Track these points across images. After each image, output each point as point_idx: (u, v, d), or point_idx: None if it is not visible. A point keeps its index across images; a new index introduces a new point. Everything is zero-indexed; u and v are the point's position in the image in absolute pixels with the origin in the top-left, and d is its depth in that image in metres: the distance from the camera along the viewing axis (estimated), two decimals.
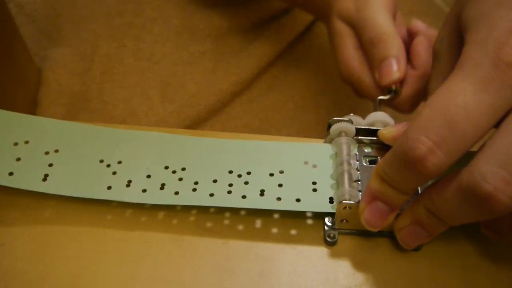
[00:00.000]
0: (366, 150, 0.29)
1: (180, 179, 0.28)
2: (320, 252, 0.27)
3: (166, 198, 0.27)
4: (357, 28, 0.37)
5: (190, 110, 0.47)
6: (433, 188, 0.23)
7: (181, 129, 0.45)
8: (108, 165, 0.29)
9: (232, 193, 0.27)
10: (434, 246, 0.27)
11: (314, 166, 0.28)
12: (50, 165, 0.29)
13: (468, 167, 0.21)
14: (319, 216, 0.28)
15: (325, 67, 0.51)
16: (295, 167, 0.28)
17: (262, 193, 0.27)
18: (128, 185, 0.28)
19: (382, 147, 0.29)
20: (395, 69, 0.35)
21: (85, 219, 0.28)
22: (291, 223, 0.28)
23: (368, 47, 0.37)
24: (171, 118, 0.47)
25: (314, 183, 0.28)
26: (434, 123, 0.21)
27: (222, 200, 0.27)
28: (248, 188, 0.27)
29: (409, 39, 0.38)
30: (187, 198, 0.27)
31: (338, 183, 0.27)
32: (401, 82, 0.36)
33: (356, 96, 0.40)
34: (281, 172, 0.28)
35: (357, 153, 0.29)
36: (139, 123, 0.47)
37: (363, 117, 0.31)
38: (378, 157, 0.28)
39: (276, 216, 0.28)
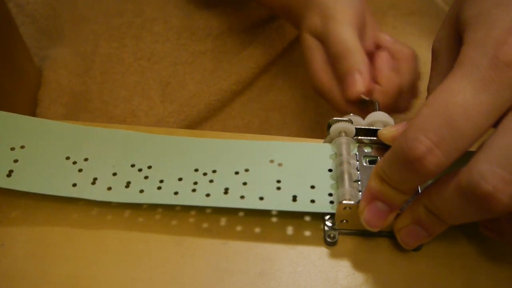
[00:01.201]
0: (366, 150, 0.29)
1: (146, 177, 0.28)
2: (320, 252, 0.27)
3: (130, 196, 0.27)
4: (324, 42, 0.38)
5: (190, 110, 0.47)
6: (432, 187, 0.23)
7: (181, 129, 0.45)
8: (75, 162, 0.29)
9: (196, 192, 0.27)
10: (434, 246, 0.27)
11: (280, 164, 0.28)
12: (16, 161, 0.29)
13: (467, 167, 0.21)
14: (319, 217, 0.28)
15: None
16: (260, 165, 0.28)
17: (226, 191, 0.27)
18: (93, 183, 0.28)
19: (382, 147, 0.29)
20: (359, 82, 0.35)
21: (85, 220, 0.28)
22: (291, 223, 0.28)
23: (333, 62, 0.37)
24: (171, 118, 0.47)
25: (278, 181, 0.28)
26: (433, 123, 0.21)
27: (186, 198, 0.27)
28: (212, 186, 0.27)
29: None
30: (152, 197, 0.27)
31: (338, 183, 0.27)
32: (370, 94, 0.36)
33: (331, 108, 0.40)
34: (247, 170, 0.28)
35: (357, 153, 0.29)
36: (139, 123, 0.47)
37: (363, 117, 0.31)
38: (378, 157, 0.28)
39: (276, 216, 0.28)
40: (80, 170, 0.29)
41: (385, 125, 0.30)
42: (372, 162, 0.28)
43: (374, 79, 0.37)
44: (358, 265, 0.26)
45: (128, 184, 0.28)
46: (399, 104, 0.39)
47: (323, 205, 0.27)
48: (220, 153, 0.29)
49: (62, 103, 0.49)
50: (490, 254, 0.27)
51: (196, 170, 0.28)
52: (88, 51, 0.51)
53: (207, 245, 0.27)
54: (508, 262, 0.27)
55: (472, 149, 0.22)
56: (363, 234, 0.27)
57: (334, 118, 0.29)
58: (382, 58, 0.38)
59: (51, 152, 0.29)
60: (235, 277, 0.26)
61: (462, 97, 0.21)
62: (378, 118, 0.30)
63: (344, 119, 0.29)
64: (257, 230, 0.28)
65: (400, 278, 0.26)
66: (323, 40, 0.38)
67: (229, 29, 0.52)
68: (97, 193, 0.28)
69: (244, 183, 0.27)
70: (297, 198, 0.27)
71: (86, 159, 0.29)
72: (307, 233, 0.28)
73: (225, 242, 0.27)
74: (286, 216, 0.28)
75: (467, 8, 0.24)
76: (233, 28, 0.52)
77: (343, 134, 0.29)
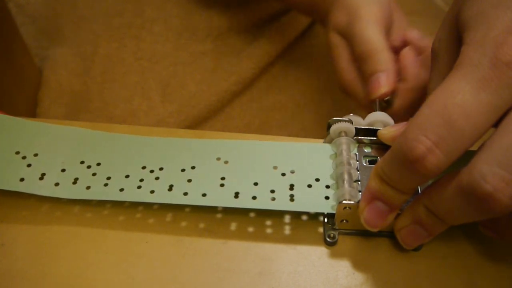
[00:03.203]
0: (366, 150, 0.29)
1: (94, 174, 0.28)
2: (320, 252, 0.27)
3: (77, 192, 0.28)
4: (349, 41, 0.38)
5: (190, 110, 0.47)
6: (433, 187, 0.23)
7: (181, 129, 0.45)
8: (24, 157, 0.29)
9: (141, 188, 0.28)
10: (434, 246, 0.27)
11: (226, 162, 0.29)
12: None
13: (467, 167, 0.21)
14: (319, 217, 0.28)
15: (325, 67, 0.51)
16: (207, 163, 0.29)
17: (170, 188, 0.28)
18: (41, 178, 0.28)
19: (382, 147, 0.29)
20: (383, 84, 0.35)
21: (85, 219, 0.28)
22: (290, 223, 0.28)
23: (359, 61, 0.37)
24: (171, 118, 0.47)
25: (222, 178, 0.28)
26: (432, 123, 0.21)
27: (130, 195, 0.27)
28: (157, 183, 0.28)
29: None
30: (98, 193, 0.28)
31: (338, 183, 0.27)
32: (394, 93, 0.36)
33: (357, 105, 0.40)
34: (193, 168, 0.28)
35: (357, 153, 0.29)
36: (139, 123, 0.47)
37: (363, 117, 0.31)
38: (378, 157, 0.28)
39: (275, 216, 0.28)
40: (29, 165, 0.29)
41: (385, 125, 0.30)
42: (372, 162, 0.28)
43: (400, 76, 0.37)
44: (358, 265, 0.26)
45: (75, 181, 0.28)
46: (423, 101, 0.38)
47: (264, 202, 0.27)
48: (168, 151, 0.29)
49: (62, 103, 0.49)
50: (490, 254, 0.27)
51: (144, 167, 0.29)
52: (88, 51, 0.51)
53: (207, 245, 0.27)
54: (508, 262, 0.27)
55: (472, 149, 0.22)
56: (363, 234, 0.27)
57: (334, 118, 0.29)
58: (408, 55, 0.37)
59: (1, 146, 0.30)
60: (235, 277, 0.26)
61: (462, 97, 0.21)
62: (378, 118, 0.30)
63: (344, 119, 0.29)
64: (257, 230, 0.28)
65: (400, 278, 0.26)
66: (349, 38, 0.38)
67: (229, 29, 0.52)
68: (45, 189, 0.28)
69: (189, 180, 0.28)
70: (239, 195, 0.27)
71: (36, 155, 0.29)
72: (307, 233, 0.28)
73: (225, 242, 0.27)
74: (286, 216, 0.28)
75: (466, 8, 0.24)
76: (233, 28, 0.52)
77: (343, 134, 0.29)
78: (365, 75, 0.37)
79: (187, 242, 0.27)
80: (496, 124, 0.22)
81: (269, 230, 0.28)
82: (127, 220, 0.28)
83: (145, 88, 0.49)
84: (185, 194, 0.27)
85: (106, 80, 0.50)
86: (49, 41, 0.53)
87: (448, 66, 0.26)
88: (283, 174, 0.28)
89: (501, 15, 0.22)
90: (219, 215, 0.28)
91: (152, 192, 0.27)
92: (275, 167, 0.28)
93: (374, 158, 0.29)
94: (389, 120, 0.30)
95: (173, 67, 0.50)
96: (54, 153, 0.29)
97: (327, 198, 0.27)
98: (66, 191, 0.28)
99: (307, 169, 0.28)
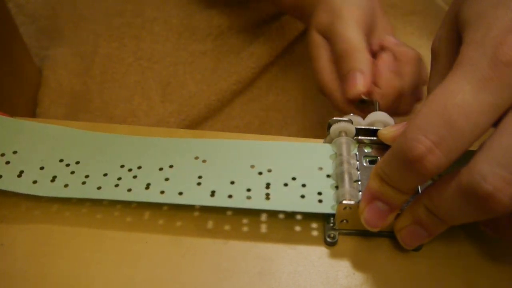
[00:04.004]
0: (366, 150, 0.29)
1: (72, 172, 0.29)
2: (320, 252, 0.27)
3: (55, 190, 0.28)
4: (329, 40, 0.38)
5: (190, 109, 0.47)
6: (433, 187, 0.23)
7: (181, 129, 0.45)
8: (3, 154, 0.29)
9: (118, 186, 0.28)
10: (434, 246, 0.27)
11: (204, 161, 0.29)
12: None
13: (467, 167, 0.21)
14: (319, 217, 0.28)
15: None
16: (185, 162, 0.29)
17: (147, 186, 0.28)
18: (19, 175, 0.29)
19: (382, 147, 0.29)
20: (359, 82, 0.35)
21: (85, 219, 0.28)
22: (290, 223, 0.28)
23: (337, 60, 0.37)
24: (171, 118, 0.47)
25: (199, 177, 0.28)
26: (432, 123, 0.21)
27: (108, 193, 0.28)
28: (135, 182, 0.28)
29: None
30: (76, 191, 0.28)
31: (338, 183, 0.27)
32: (369, 95, 0.36)
33: (333, 108, 0.40)
34: (171, 166, 0.29)
35: (357, 153, 0.29)
36: (139, 123, 0.47)
37: (363, 117, 0.31)
38: (378, 157, 0.28)
39: (275, 216, 0.28)
40: (7, 163, 0.29)
41: (385, 125, 0.30)
42: (372, 162, 0.28)
43: (374, 81, 0.37)
44: (358, 265, 0.26)
45: (54, 179, 0.28)
46: (399, 107, 0.38)
47: (240, 200, 0.27)
48: (147, 150, 0.30)
49: (62, 103, 0.49)
50: (490, 254, 0.27)
51: (122, 166, 0.29)
52: (88, 51, 0.51)
53: (207, 245, 0.27)
54: (508, 262, 0.27)
55: (472, 149, 0.22)
56: (363, 234, 0.27)
57: (334, 118, 0.29)
58: (384, 60, 0.37)
59: None
60: (235, 277, 0.26)
61: (462, 97, 0.21)
62: (378, 118, 0.30)
63: (344, 119, 0.29)
64: (257, 230, 0.28)
65: (400, 278, 0.26)
66: (329, 38, 0.38)
67: (229, 29, 0.52)
68: (22, 186, 0.28)
69: (166, 179, 0.28)
70: (215, 193, 0.27)
71: (15, 152, 0.30)
72: (307, 233, 0.28)
73: (225, 242, 0.27)
74: (286, 216, 0.28)
75: (466, 8, 0.24)
76: (233, 28, 0.52)
77: (343, 134, 0.29)
78: (343, 73, 0.37)
79: (187, 242, 0.27)
80: (496, 124, 0.22)
81: (269, 230, 0.28)
82: (128, 220, 0.28)
83: (145, 88, 0.49)
84: (162, 192, 0.27)
85: (106, 80, 0.50)
86: (49, 41, 0.53)
87: (448, 65, 0.26)
88: (260, 173, 0.28)
89: (501, 15, 0.22)
90: (219, 215, 0.28)
91: (129, 190, 0.28)
92: (252, 166, 0.29)
93: (374, 158, 0.29)
94: (389, 120, 0.30)
95: (173, 67, 0.50)
96: (33, 151, 0.30)
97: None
98: (44, 189, 0.28)
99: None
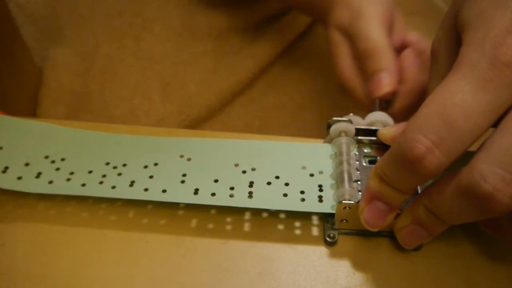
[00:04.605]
0: (365, 150, 0.29)
1: (57, 169, 0.29)
2: (320, 252, 0.27)
3: (38, 186, 0.28)
4: (351, 38, 0.38)
5: (190, 110, 0.47)
6: (433, 187, 0.23)
7: (181, 129, 0.45)
8: None
9: (103, 184, 0.28)
10: (434, 246, 0.27)
11: (189, 159, 0.29)
12: None
13: (467, 167, 0.21)
14: (319, 217, 0.28)
15: (325, 67, 0.51)
16: (170, 160, 0.29)
17: (131, 184, 0.28)
18: (4, 171, 0.29)
19: (382, 147, 0.29)
20: (385, 82, 0.35)
21: (85, 219, 0.28)
22: (290, 223, 0.28)
23: (361, 59, 0.37)
24: (172, 118, 0.47)
25: (184, 175, 0.28)
26: (432, 123, 0.21)
27: (91, 190, 0.28)
28: (119, 179, 0.28)
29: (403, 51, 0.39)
30: (60, 187, 0.28)
31: (338, 183, 0.27)
32: (394, 94, 0.36)
33: (355, 104, 0.40)
34: (156, 164, 0.29)
35: (356, 153, 0.29)
36: (139, 123, 0.47)
37: (363, 117, 0.31)
38: (378, 157, 0.28)
39: (276, 216, 0.28)
40: None
41: (385, 125, 0.30)
42: (372, 162, 0.28)
43: (400, 78, 0.36)
44: (358, 265, 0.26)
45: (38, 175, 0.28)
46: None
47: (223, 199, 0.27)
48: (133, 148, 0.30)
49: (62, 103, 0.49)
50: (490, 254, 0.27)
51: (108, 163, 0.29)
52: (88, 51, 0.51)
53: (207, 245, 0.27)
54: (508, 262, 0.27)
55: (472, 149, 0.22)
56: (363, 234, 0.27)
57: (334, 118, 0.29)
58: (409, 57, 0.37)
59: None
60: (235, 277, 0.26)
61: (461, 97, 0.21)
62: (378, 118, 0.30)
63: (344, 119, 0.29)
64: (257, 229, 0.28)
65: (400, 278, 0.26)
66: (352, 36, 0.38)
67: (230, 29, 0.52)
68: (7, 182, 0.28)
69: (151, 177, 0.28)
70: (199, 191, 0.27)
71: (0, 148, 0.30)
72: (307, 232, 0.28)
73: (225, 242, 0.27)
74: (286, 216, 0.28)
75: (465, 8, 0.24)
76: (233, 28, 0.52)
77: (343, 134, 0.29)
78: (367, 73, 0.36)
79: (187, 242, 0.27)
80: (496, 124, 0.22)
81: (269, 230, 0.28)
82: (128, 220, 0.28)
83: (145, 88, 0.49)
84: (146, 190, 0.28)
85: (106, 80, 0.50)
86: (49, 41, 0.53)
87: (448, 66, 0.26)
88: (244, 172, 0.28)
89: (500, 16, 0.22)
90: (219, 215, 0.28)
91: (113, 187, 0.28)
92: (236, 165, 0.29)
93: (374, 158, 0.29)
94: (389, 120, 0.30)
95: (173, 67, 0.50)
96: (19, 147, 0.30)
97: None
98: (28, 185, 0.28)
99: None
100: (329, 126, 0.29)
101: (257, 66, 0.49)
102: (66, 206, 0.29)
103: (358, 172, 0.28)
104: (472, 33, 0.23)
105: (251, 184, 0.28)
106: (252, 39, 0.51)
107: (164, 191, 0.28)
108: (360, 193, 0.27)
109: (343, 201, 0.26)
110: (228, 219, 0.28)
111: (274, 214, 0.28)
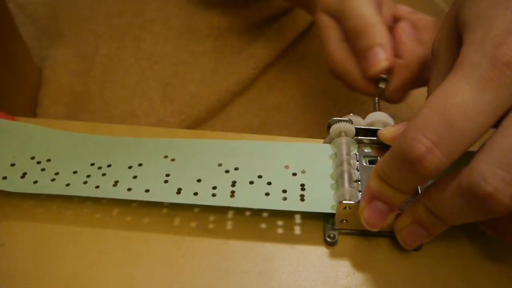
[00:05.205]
0: (366, 150, 0.29)
1: (43, 169, 0.29)
2: (320, 252, 0.27)
3: (23, 186, 0.28)
4: (340, 19, 0.37)
5: (190, 110, 0.47)
6: (433, 187, 0.23)
7: (181, 129, 0.45)
8: None
9: (87, 184, 0.28)
10: (434, 246, 0.27)
11: (173, 160, 0.29)
12: None
13: (467, 167, 0.21)
14: (319, 216, 0.28)
15: (325, 67, 0.51)
16: (154, 160, 0.29)
17: (115, 183, 0.28)
18: None
19: (382, 147, 0.29)
20: (381, 57, 0.34)
21: (85, 219, 0.28)
22: (290, 223, 0.28)
23: (352, 38, 0.36)
24: (172, 118, 0.47)
25: (167, 175, 0.28)
26: (432, 123, 0.21)
27: (75, 189, 0.28)
28: (103, 179, 0.28)
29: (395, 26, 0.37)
30: (44, 187, 0.28)
31: (338, 183, 0.27)
32: (390, 71, 0.35)
33: (347, 89, 0.39)
34: (140, 165, 0.29)
35: (356, 153, 0.29)
36: (139, 123, 0.47)
37: (363, 117, 0.31)
38: (378, 157, 0.28)
39: (276, 216, 0.28)
40: None
41: (385, 125, 0.30)
42: (372, 162, 0.28)
43: (395, 52, 0.35)
44: (358, 265, 0.27)
45: (24, 175, 0.29)
46: (424, 75, 0.37)
47: (205, 198, 0.27)
48: (119, 149, 0.30)
49: (62, 103, 0.49)
50: (490, 254, 0.27)
51: (93, 164, 0.29)
52: (88, 51, 0.51)
53: (207, 244, 0.27)
54: (508, 262, 0.27)
55: (473, 149, 0.22)
56: (363, 234, 0.27)
57: (334, 118, 0.29)
58: (403, 29, 0.36)
59: None
60: (235, 277, 0.26)
61: (462, 97, 0.21)
62: (378, 118, 0.30)
63: (344, 119, 0.29)
64: (258, 229, 0.28)
65: (400, 278, 0.26)
66: (339, 17, 0.37)
67: (230, 29, 0.52)
68: None
69: (134, 177, 0.29)
70: (182, 191, 0.28)
71: None
72: (307, 233, 0.28)
73: (225, 241, 0.27)
74: (287, 216, 0.28)
75: (466, 8, 0.24)
76: (233, 28, 0.52)
77: (343, 134, 0.29)
78: (361, 51, 0.35)
79: (187, 242, 0.27)
80: (496, 124, 0.22)
81: (269, 230, 0.28)
82: (128, 220, 0.28)
83: (145, 88, 0.49)
84: (129, 189, 0.28)
85: (106, 80, 0.50)
86: (49, 41, 0.53)
87: (448, 66, 0.26)
88: (227, 171, 0.29)
89: (501, 16, 0.22)
90: (219, 215, 0.28)
91: (97, 187, 0.28)
92: (220, 165, 0.29)
93: (374, 158, 0.29)
94: (389, 120, 0.30)
95: (173, 67, 0.50)
96: (6, 148, 0.30)
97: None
98: (13, 185, 0.28)
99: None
100: (329, 126, 0.29)
101: (257, 66, 0.49)
102: (66, 206, 0.29)
103: (358, 172, 0.28)
104: (473, 33, 0.23)
105: (233, 184, 0.28)
106: (252, 39, 0.51)
107: (147, 190, 0.28)
108: (360, 193, 0.27)
109: (343, 201, 0.26)
110: (229, 219, 0.28)
111: (274, 214, 0.28)
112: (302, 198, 0.27)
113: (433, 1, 0.56)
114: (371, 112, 0.31)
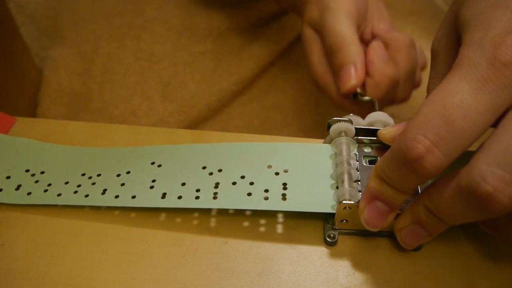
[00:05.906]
0: (365, 150, 0.29)
1: (36, 181, 0.30)
2: (320, 252, 0.27)
3: (18, 198, 0.29)
4: (321, 34, 0.38)
5: (190, 110, 0.47)
6: (433, 187, 0.23)
7: (181, 129, 0.45)
8: None
9: (77, 193, 0.29)
10: (434, 246, 0.27)
11: (159, 166, 0.30)
12: None
13: (467, 167, 0.21)
14: (319, 216, 0.28)
15: None
16: (141, 167, 0.30)
17: (104, 192, 0.29)
18: None
19: (382, 147, 0.29)
20: (352, 75, 0.35)
21: (85, 219, 0.28)
22: (290, 223, 0.28)
23: (329, 54, 0.37)
24: (172, 118, 0.47)
25: (153, 181, 0.29)
26: (432, 123, 0.21)
27: (66, 199, 0.29)
28: (93, 188, 0.29)
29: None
30: (37, 198, 0.29)
31: (338, 183, 0.27)
32: (363, 87, 0.36)
33: (329, 102, 0.40)
34: (128, 172, 0.30)
35: (356, 153, 0.29)
36: (139, 123, 0.47)
37: (359, 113, 0.31)
38: (378, 157, 0.28)
39: (276, 216, 0.28)
40: None
41: (384, 125, 0.30)
42: (372, 162, 0.28)
43: (366, 71, 0.36)
44: (358, 265, 0.27)
45: (18, 187, 0.30)
46: (396, 95, 0.38)
47: (189, 201, 0.28)
48: (108, 158, 0.31)
49: (62, 103, 0.49)
50: (490, 254, 0.27)
51: (83, 174, 0.30)
52: (88, 51, 0.51)
53: (207, 244, 0.27)
54: (508, 262, 0.27)
55: (472, 149, 0.22)
56: (363, 234, 0.27)
57: (334, 118, 0.29)
58: (374, 49, 0.37)
59: None
60: (235, 277, 0.26)
61: (461, 97, 0.21)
62: (378, 118, 0.30)
63: (344, 119, 0.29)
64: (258, 230, 0.28)
65: (400, 278, 0.26)
66: (320, 32, 0.38)
67: (229, 29, 0.52)
68: None
69: (122, 184, 0.29)
70: (166, 196, 0.28)
71: None
72: (307, 233, 0.28)
73: (225, 241, 0.27)
74: (287, 216, 0.28)
75: (465, 8, 0.24)
76: (233, 28, 0.52)
77: (343, 134, 0.29)
78: (335, 67, 0.36)
79: (187, 242, 0.27)
80: (495, 124, 0.22)
81: (269, 230, 0.28)
82: (128, 220, 0.28)
83: (145, 88, 0.49)
84: (117, 197, 0.28)
85: (106, 80, 0.50)
86: (49, 41, 0.53)
87: (447, 66, 0.26)
88: (211, 174, 0.29)
89: (500, 16, 0.22)
90: (219, 216, 0.28)
91: (86, 196, 0.29)
92: (204, 167, 0.29)
93: (374, 158, 0.29)
94: (389, 120, 0.30)
95: (173, 67, 0.50)
96: (1, 161, 0.31)
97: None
98: (8, 197, 0.29)
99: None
100: (329, 126, 0.29)
101: (257, 66, 0.49)
102: (66, 206, 0.29)
103: (358, 172, 0.28)
104: (472, 33, 0.23)
105: (216, 185, 0.28)
106: (252, 39, 0.51)
107: (133, 197, 0.28)
108: (360, 193, 0.27)
109: (343, 201, 0.26)
110: (229, 219, 0.28)
111: (274, 214, 0.28)
112: (284, 197, 0.27)
113: (433, 1, 0.56)
114: (371, 112, 0.31)
